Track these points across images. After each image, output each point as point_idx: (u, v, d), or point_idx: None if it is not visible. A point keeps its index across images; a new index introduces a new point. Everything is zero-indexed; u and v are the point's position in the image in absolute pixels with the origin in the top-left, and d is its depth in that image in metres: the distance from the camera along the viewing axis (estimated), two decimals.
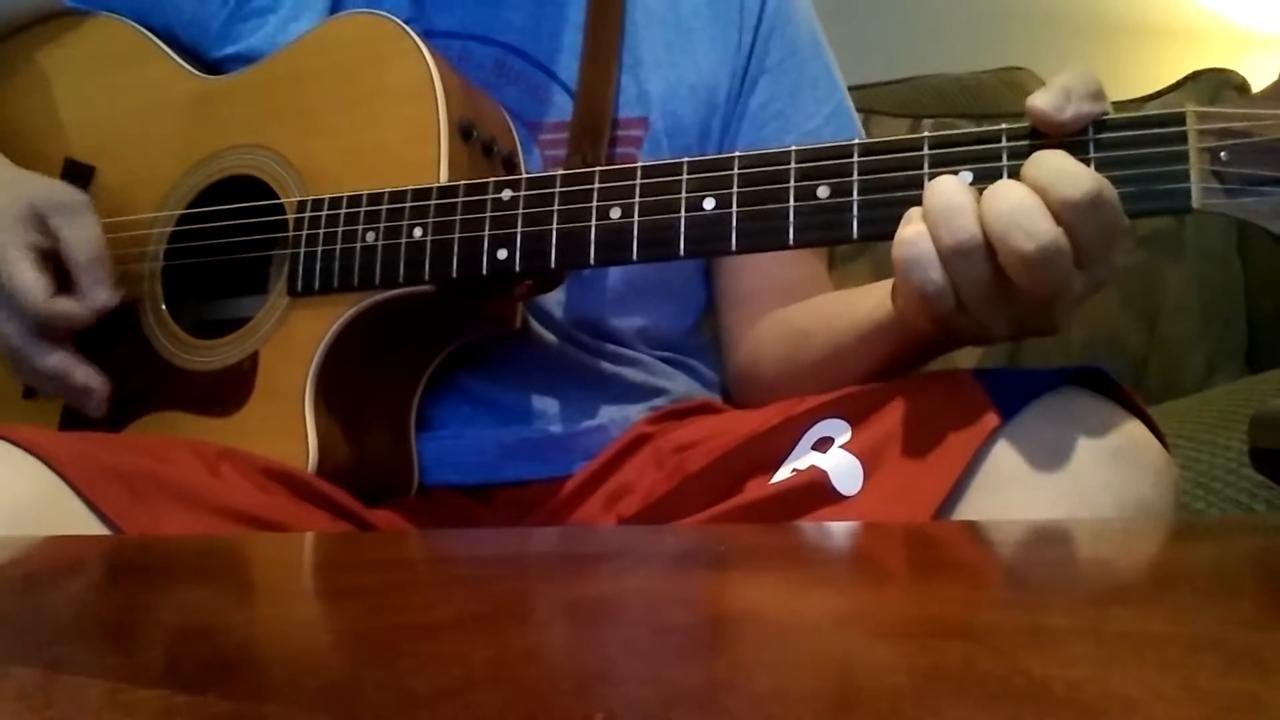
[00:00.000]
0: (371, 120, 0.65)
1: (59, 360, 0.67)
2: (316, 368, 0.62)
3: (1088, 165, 0.47)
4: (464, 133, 0.64)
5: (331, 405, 0.63)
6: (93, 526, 0.50)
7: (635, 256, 0.56)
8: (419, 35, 0.65)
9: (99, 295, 0.67)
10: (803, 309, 0.73)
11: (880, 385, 0.56)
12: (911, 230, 0.48)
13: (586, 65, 0.73)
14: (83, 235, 0.67)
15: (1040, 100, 0.48)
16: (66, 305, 0.66)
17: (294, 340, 0.64)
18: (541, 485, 0.70)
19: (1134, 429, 0.51)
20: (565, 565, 0.38)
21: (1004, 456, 0.50)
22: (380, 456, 0.67)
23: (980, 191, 0.47)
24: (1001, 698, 0.17)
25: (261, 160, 0.69)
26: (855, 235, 0.52)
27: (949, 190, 0.47)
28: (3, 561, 0.41)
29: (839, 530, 0.47)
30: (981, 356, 1.25)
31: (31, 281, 0.65)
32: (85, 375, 0.67)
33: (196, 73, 0.75)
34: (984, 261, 0.47)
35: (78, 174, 0.75)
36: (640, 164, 0.57)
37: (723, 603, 0.28)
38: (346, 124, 0.66)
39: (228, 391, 0.65)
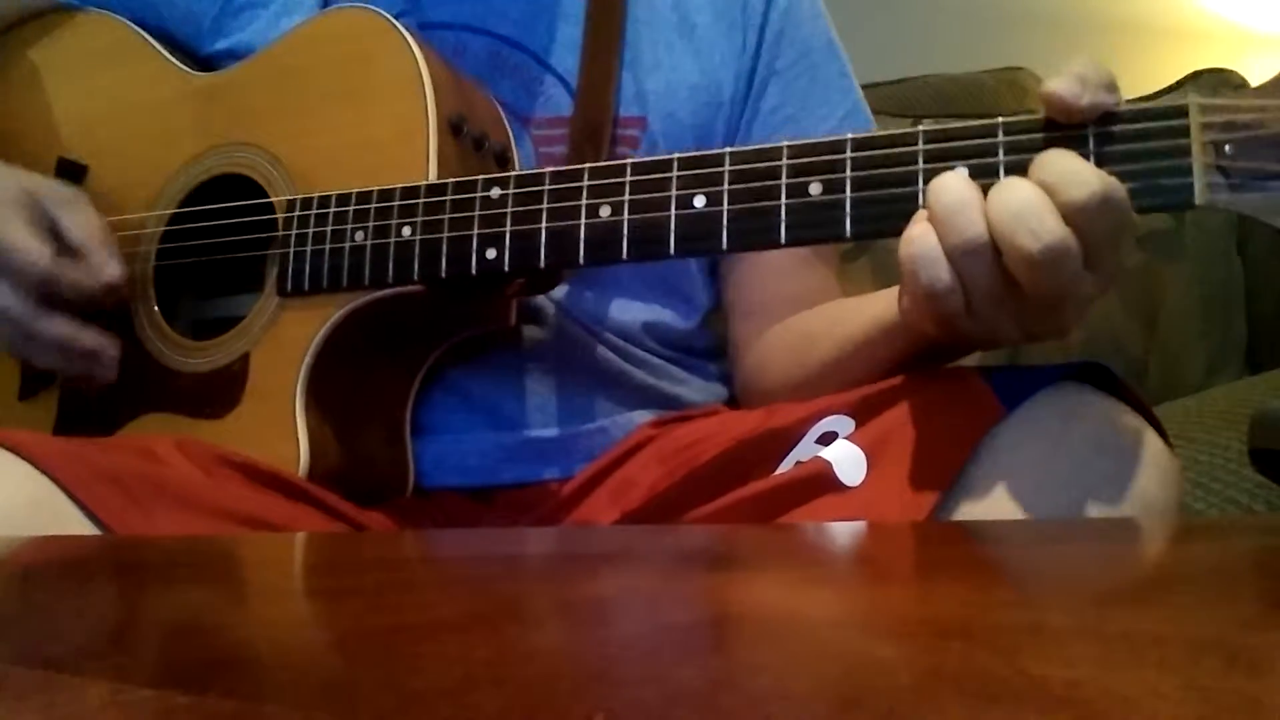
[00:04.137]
0: (360, 117, 0.65)
1: (64, 325, 0.64)
2: (307, 369, 0.62)
3: (1087, 159, 0.46)
4: (454, 128, 0.63)
5: (323, 406, 0.63)
6: (86, 530, 0.50)
7: (625, 256, 0.55)
8: (409, 29, 0.65)
9: (110, 269, 0.65)
10: (809, 314, 0.72)
11: (885, 383, 0.56)
12: (918, 228, 0.47)
13: (587, 62, 0.72)
14: (82, 219, 0.66)
15: (1059, 85, 0.46)
16: (74, 271, 0.64)
17: (284, 341, 0.63)
18: (543, 486, 0.69)
19: (1136, 423, 0.51)
20: (565, 565, 0.38)
21: (1007, 447, 0.50)
22: (374, 458, 0.67)
23: (985, 188, 0.46)
24: (1001, 698, 0.17)
25: (251, 158, 0.68)
26: (848, 234, 0.50)
27: (954, 187, 0.46)
28: (2, 561, 0.41)
29: (839, 530, 0.47)
30: (982, 355, 1.25)
31: (31, 242, 0.63)
32: (94, 338, 0.65)
33: (188, 70, 0.74)
34: (990, 260, 0.46)
35: (70, 172, 0.75)
36: (630, 161, 0.55)
37: (723, 603, 0.28)
38: (335, 121, 0.66)
39: (219, 393, 0.65)
